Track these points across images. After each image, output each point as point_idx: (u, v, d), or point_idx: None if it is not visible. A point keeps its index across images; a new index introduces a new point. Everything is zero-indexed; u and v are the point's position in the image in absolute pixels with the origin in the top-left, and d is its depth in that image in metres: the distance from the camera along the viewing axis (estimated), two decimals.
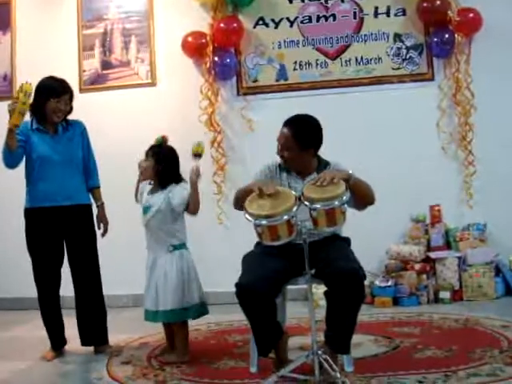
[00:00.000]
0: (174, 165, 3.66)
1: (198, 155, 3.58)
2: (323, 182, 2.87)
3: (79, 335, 3.91)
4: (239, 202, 3.13)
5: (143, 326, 3.77)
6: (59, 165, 3.78)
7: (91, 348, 3.89)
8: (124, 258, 5.13)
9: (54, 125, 3.83)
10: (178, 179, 3.64)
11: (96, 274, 3.91)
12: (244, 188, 3.17)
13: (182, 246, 3.62)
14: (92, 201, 4.01)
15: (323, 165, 3.28)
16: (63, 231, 3.84)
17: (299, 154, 3.21)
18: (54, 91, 3.74)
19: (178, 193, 3.56)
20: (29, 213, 3.85)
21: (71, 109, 3.88)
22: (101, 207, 4.01)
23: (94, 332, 3.89)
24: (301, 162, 3.26)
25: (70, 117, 3.93)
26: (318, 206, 2.79)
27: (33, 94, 3.60)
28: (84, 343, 3.90)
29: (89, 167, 3.98)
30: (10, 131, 3.57)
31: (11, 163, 3.75)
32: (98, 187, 4.02)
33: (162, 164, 3.60)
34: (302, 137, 3.19)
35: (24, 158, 3.80)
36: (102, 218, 3.99)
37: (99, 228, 3.99)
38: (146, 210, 3.62)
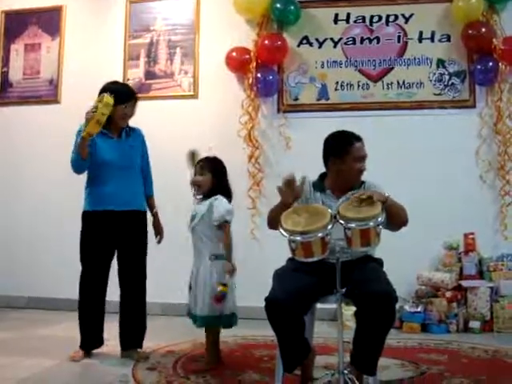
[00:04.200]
0: (226, 177, 3.78)
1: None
2: (362, 196, 2.89)
3: (120, 339, 3.93)
4: (271, 220, 3.17)
5: (171, 334, 3.80)
6: (121, 170, 3.84)
7: (118, 352, 3.93)
8: (158, 268, 5.18)
9: (118, 129, 3.89)
10: (226, 191, 3.74)
11: (143, 279, 3.95)
12: (273, 207, 3.20)
13: (223, 256, 3.68)
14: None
15: (358, 184, 3.30)
16: (117, 236, 3.87)
17: None
18: (120, 97, 3.77)
19: (220, 208, 3.64)
20: (87, 215, 3.89)
21: (135, 112, 3.95)
22: (156, 215, 4.07)
23: (135, 336, 3.92)
24: None
25: None
26: (353, 225, 2.79)
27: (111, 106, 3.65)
28: (124, 347, 3.92)
29: (146, 175, 4.04)
30: (84, 140, 3.63)
31: (81, 169, 3.82)
32: (153, 195, 4.08)
33: (218, 178, 3.72)
34: None
35: None
36: (159, 226, 4.05)
37: (156, 236, 4.04)
38: (192, 217, 3.71)
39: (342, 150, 3.23)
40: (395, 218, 3.06)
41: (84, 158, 3.71)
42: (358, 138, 3.27)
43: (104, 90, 3.80)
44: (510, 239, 5.10)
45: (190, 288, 3.72)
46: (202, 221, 3.67)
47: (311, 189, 3.30)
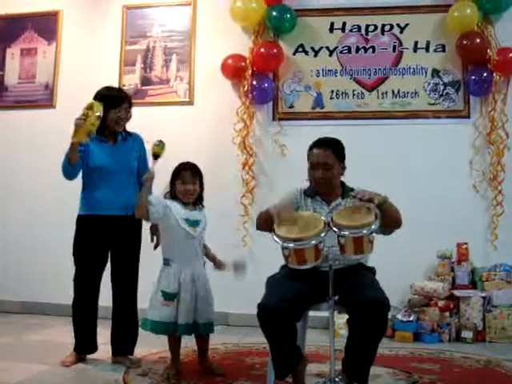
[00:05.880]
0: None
1: (156, 156, 3.64)
2: (363, 197, 2.90)
3: (111, 344, 3.93)
4: (259, 225, 3.23)
5: (163, 340, 3.78)
6: (117, 174, 3.83)
7: (109, 357, 3.92)
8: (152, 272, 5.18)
9: (113, 134, 3.88)
10: (202, 198, 3.81)
11: (134, 286, 3.94)
12: (264, 211, 3.18)
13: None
14: None
15: (348, 191, 3.28)
16: (111, 240, 3.86)
17: (338, 172, 3.25)
18: (113, 101, 3.77)
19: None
20: (82, 220, 3.89)
21: (130, 116, 3.94)
22: None
23: (126, 343, 3.92)
24: (335, 182, 3.29)
25: None
26: (347, 232, 2.80)
27: (101, 115, 3.64)
28: (115, 353, 3.92)
29: None
30: (73, 146, 3.62)
31: (71, 175, 3.80)
32: None
33: (202, 185, 3.75)
34: (341, 153, 3.28)
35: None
36: (157, 231, 3.98)
37: (152, 240, 3.97)
38: (194, 223, 3.65)
39: (307, 156, 3.31)
40: (390, 221, 3.06)
41: (72, 164, 3.70)
42: (321, 145, 3.27)
43: (97, 95, 3.82)
44: (501, 249, 5.11)
45: (176, 296, 3.57)
46: (203, 229, 3.71)
47: (302, 196, 3.31)
